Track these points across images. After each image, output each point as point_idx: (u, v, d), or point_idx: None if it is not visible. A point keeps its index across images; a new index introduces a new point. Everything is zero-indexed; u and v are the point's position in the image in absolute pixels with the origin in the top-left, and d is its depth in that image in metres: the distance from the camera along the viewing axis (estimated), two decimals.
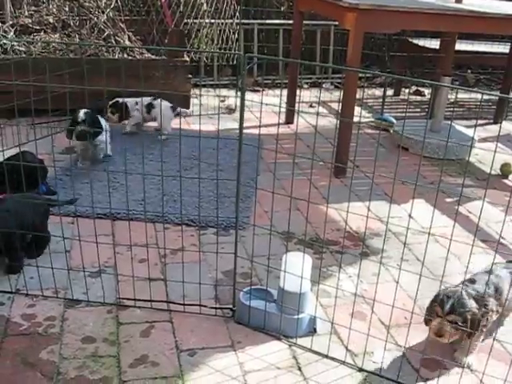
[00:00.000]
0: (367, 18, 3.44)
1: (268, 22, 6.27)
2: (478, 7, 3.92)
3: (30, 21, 4.96)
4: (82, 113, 3.49)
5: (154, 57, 5.01)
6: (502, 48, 5.77)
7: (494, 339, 2.18)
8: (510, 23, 3.88)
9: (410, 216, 3.16)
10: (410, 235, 3.00)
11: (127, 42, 5.05)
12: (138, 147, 3.81)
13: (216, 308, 2.33)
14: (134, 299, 2.36)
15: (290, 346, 2.20)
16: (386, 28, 3.67)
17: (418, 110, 5.61)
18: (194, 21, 5.65)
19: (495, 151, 1.92)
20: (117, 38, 5.01)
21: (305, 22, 5.91)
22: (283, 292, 2.19)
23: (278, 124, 4.59)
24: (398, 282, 2.29)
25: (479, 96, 6.35)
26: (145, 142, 4.02)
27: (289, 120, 4.77)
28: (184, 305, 2.33)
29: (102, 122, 3.68)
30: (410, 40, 5.90)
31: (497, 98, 5.60)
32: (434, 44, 5.58)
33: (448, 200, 3.54)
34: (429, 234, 2.11)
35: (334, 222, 3.18)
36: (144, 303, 2.35)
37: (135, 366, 2.03)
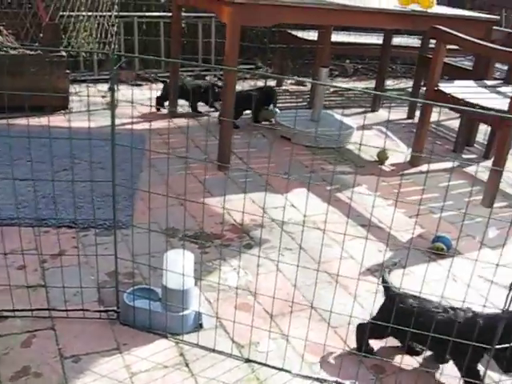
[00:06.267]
0: (243, 12, 3.47)
1: (147, 14, 6.17)
2: (351, 1, 4.06)
3: None
4: None
5: (28, 52, 4.79)
6: (375, 39, 6.02)
7: None
8: (379, 17, 4.06)
9: (292, 205, 3.25)
10: (293, 224, 3.08)
11: None
12: (12, 148, 3.64)
13: (100, 311, 2.28)
14: (13, 310, 2.26)
15: (176, 343, 2.19)
16: (262, 22, 3.72)
17: (300, 100, 5.75)
18: (71, 13, 5.45)
19: (360, 141, 2.00)
20: None
21: (186, 14, 5.89)
22: (166, 290, 2.18)
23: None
24: (277, 271, 2.35)
25: (357, 85, 6.61)
26: (22, 142, 3.84)
27: (172, 114, 4.73)
28: (66, 310, 2.26)
29: None
30: (290, 32, 6.01)
31: (374, 86, 5.85)
32: (313, 36, 5.73)
33: (329, 188, 3.65)
34: (303, 223, 2.17)
35: (218, 215, 3.19)
36: (24, 312, 2.26)
37: (16, 379, 1.95)
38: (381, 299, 2.19)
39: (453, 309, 2.09)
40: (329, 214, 3.22)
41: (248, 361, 2.13)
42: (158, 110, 4.87)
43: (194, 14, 6.18)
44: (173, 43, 4.65)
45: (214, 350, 2.16)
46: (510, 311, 2.12)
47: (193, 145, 4.03)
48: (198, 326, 2.26)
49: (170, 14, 5.05)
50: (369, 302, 2.44)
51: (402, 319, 2.02)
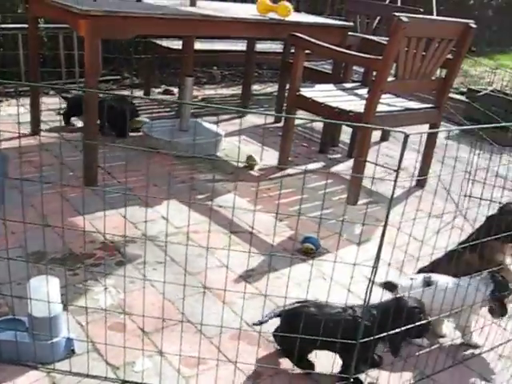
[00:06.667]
0: (100, 25, 3.39)
1: (3, 26, 5.87)
2: (212, 11, 4.11)
3: None
4: None
5: None
6: (240, 46, 6.13)
7: None
8: (239, 26, 4.14)
9: (163, 218, 3.23)
10: (165, 237, 3.06)
11: None
12: None
13: None
14: None
15: (48, 373, 2.11)
16: (122, 34, 3.64)
17: (168, 109, 5.72)
18: None
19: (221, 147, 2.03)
20: None
21: (45, 25, 5.68)
22: (32, 319, 2.10)
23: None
24: (147, 287, 2.34)
25: (225, 92, 6.70)
26: None
27: (35, 131, 4.53)
28: None
29: None
30: (154, 41, 5.97)
31: (240, 92, 5.98)
32: (177, 44, 5.73)
33: (200, 197, 3.67)
34: (166, 236, 2.18)
35: (87, 234, 3.10)
36: None
37: None
38: (252, 304, 2.24)
39: (350, 307, 2.18)
40: (200, 223, 3.25)
41: (124, 382, 2.10)
42: (69, 124, 4.77)
43: (53, 25, 5.96)
44: (31, 58, 4.45)
45: (88, 375, 2.11)
46: (397, 298, 2.24)
47: (58, 162, 3.89)
48: (70, 352, 2.19)
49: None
50: (242, 309, 2.49)
51: (310, 329, 2.06)
